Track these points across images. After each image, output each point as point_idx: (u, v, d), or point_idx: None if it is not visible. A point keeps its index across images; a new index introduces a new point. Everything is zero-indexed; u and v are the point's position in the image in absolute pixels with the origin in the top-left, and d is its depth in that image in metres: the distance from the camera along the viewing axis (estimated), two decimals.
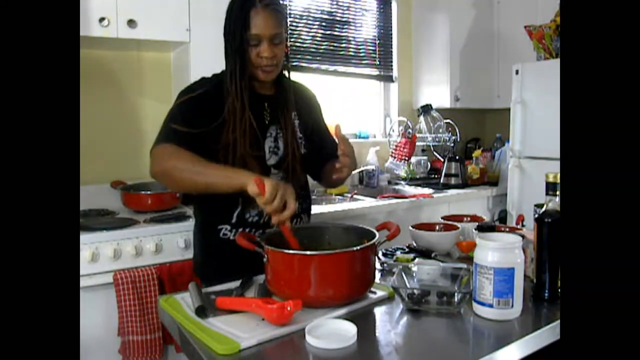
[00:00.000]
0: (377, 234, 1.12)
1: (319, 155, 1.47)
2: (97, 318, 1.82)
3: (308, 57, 3.00)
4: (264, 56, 1.26)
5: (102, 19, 1.98)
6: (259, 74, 1.30)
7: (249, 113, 1.29)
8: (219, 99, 1.30)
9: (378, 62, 3.36)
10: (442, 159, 3.19)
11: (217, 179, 1.14)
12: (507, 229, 1.44)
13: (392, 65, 3.43)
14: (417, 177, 3.24)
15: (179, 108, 1.32)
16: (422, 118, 3.30)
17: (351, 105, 3.31)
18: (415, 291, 1.05)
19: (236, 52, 1.26)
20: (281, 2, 1.30)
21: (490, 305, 0.98)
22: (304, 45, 2.99)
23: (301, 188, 1.43)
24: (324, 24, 3.07)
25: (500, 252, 0.97)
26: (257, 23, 1.23)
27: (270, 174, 1.35)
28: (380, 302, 1.09)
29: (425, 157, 3.36)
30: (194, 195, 1.50)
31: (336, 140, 1.24)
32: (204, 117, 1.28)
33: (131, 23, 2.04)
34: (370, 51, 3.32)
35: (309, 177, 1.52)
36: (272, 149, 1.36)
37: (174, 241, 1.94)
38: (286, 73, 1.42)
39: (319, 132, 1.51)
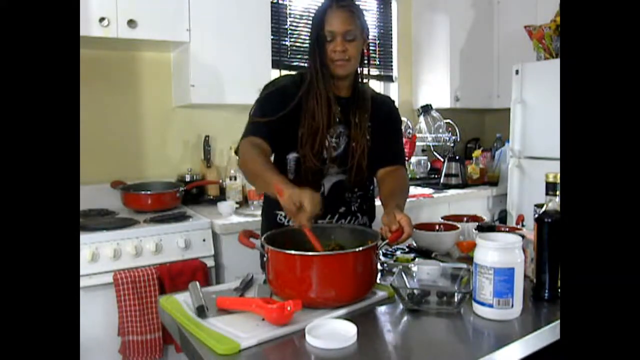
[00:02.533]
0: (380, 235, 1.12)
1: (379, 155, 1.51)
2: (97, 318, 1.82)
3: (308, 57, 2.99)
4: (337, 50, 1.35)
5: (102, 19, 1.98)
6: (334, 68, 1.38)
7: (325, 107, 1.38)
8: (296, 91, 1.40)
9: (378, 62, 3.36)
10: (442, 159, 3.19)
11: (261, 183, 1.25)
12: (507, 229, 1.44)
13: (392, 65, 3.43)
14: (417, 177, 3.24)
15: (258, 102, 1.43)
16: (422, 118, 3.30)
17: None
18: (415, 291, 1.05)
19: (315, 48, 1.38)
20: (358, 6, 1.42)
21: (490, 305, 0.98)
22: (304, 45, 2.98)
23: (360, 188, 1.49)
24: None
25: (500, 252, 0.97)
26: (331, 21, 1.35)
27: (325, 165, 1.41)
28: (380, 302, 1.09)
29: (425, 157, 3.35)
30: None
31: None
32: (279, 108, 1.38)
33: (131, 23, 2.04)
34: (371, 51, 3.31)
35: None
36: (332, 144, 1.43)
37: (174, 241, 1.94)
38: (364, 79, 1.50)
39: (390, 138, 1.55)
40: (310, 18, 2.94)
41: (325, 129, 1.38)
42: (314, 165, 1.38)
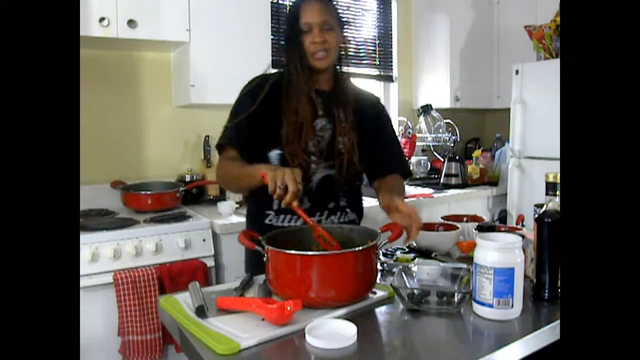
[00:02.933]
0: (380, 235, 1.12)
1: (377, 162, 1.51)
2: (97, 318, 1.82)
3: None
4: (316, 41, 1.34)
5: (102, 19, 1.98)
6: (313, 62, 1.37)
7: (305, 101, 1.37)
8: (269, 89, 1.40)
9: (378, 62, 3.36)
10: (442, 159, 3.19)
11: (246, 179, 1.28)
12: (507, 229, 1.44)
13: (392, 65, 3.43)
14: (417, 177, 3.24)
15: (233, 106, 1.45)
16: (422, 118, 3.30)
17: None
18: (415, 291, 1.05)
19: (292, 41, 1.37)
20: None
21: (490, 305, 0.98)
22: None
23: (349, 184, 1.47)
24: None
25: (500, 252, 0.97)
26: (307, 12, 1.35)
27: (311, 161, 1.41)
28: (380, 302, 1.09)
29: (425, 157, 3.35)
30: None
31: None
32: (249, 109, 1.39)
33: (131, 23, 2.04)
34: (370, 51, 3.32)
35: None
36: (317, 137, 1.41)
37: (174, 241, 1.94)
38: (345, 74, 1.50)
39: (382, 137, 1.54)
40: None
41: (309, 123, 1.38)
42: (302, 160, 1.36)
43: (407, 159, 3.11)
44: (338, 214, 1.45)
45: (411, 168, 3.22)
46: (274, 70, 1.56)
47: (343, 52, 1.45)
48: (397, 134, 1.63)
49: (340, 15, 1.44)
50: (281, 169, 1.15)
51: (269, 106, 1.38)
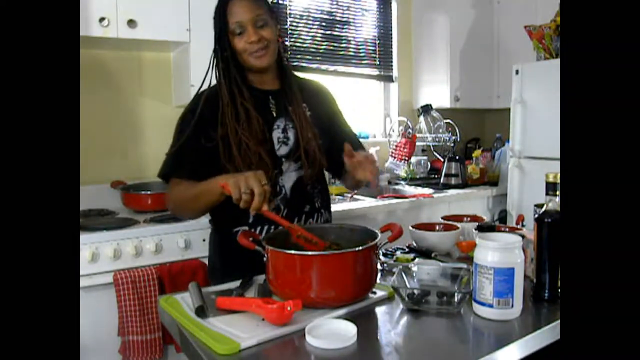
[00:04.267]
0: (380, 235, 1.12)
1: (335, 149, 1.43)
2: (97, 318, 1.82)
3: (308, 57, 3.00)
4: (251, 41, 1.26)
5: (102, 19, 1.98)
6: (251, 60, 1.29)
7: (248, 105, 1.29)
8: (213, 106, 1.31)
9: (378, 62, 3.36)
10: (442, 159, 3.19)
11: (205, 197, 1.20)
12: (507, 229, 1.44)
13: (392, 65, 3.43)
14: (417, 177, 3.24)
15: (175, 133, 1.38)
16: (422, 118, 3.30)
17: (351, 105, 3.31)
18: (415, 291, 1.05)
19: (221, 43, 1.29)
20: None
21: (490, 305, 0.98)
22: (304, 45, 2.99)
23: (318, 182, 1.42)
24: (324, 24, 3.07)
25: (500, 252, 0.97)
26: (236, 11, 1.26)
27: (282, 164, 1.35)
28: (380, 302, 1.09)
29: (425, 157, 3.35)
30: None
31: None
32: (206, 124, 1.30)
33: (131, 23, 2.04)
34: (370, 51, 3.32)
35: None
36: (281, 140, 1.35)
37: (174, 241, 1.94)
38: (288, 68, 1.42)
39: (334, 123, 1.48)
40: (311, 18, 2.97)
41: (266, 126, 1.31)
42: (270, 165, 1.29)
43: (406, 157, 3.12)
44: (315, 216, 1.41)
45: (411, 168, 3.23)
46: None
47: (282, 47, 1.38)
48: (343, 113, 1.55)
49: (271, 6, 1.34)
50: (241, 174, 1.08)
51: (213, 121, 1.29)
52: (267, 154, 1.30)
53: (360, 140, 1.57)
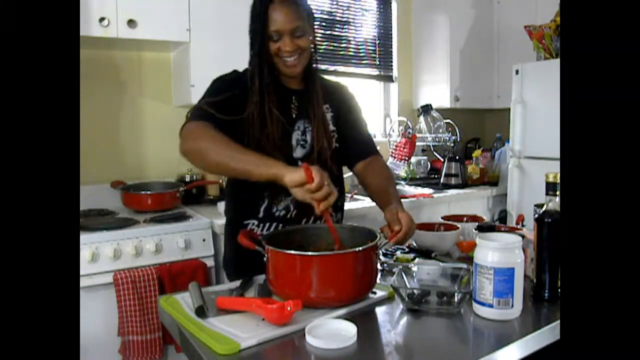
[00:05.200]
0: (380, 235, 1.12)
1: (351, 149, 1.46)
2: (97, 318, 1.82)
3: None
4: (285, 50, 1.27)
5: (102, 19, 1.98)
6: (283, 68, 1.31)
7: (275, 110, 1.29)
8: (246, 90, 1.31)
9: (378, 62, 3.36)
10: (442, 159, 3.19)
11: (251, 166, 1.11)
12: (507, 229, 1.44)
13: (392, 65, 3.43)
14: (417, 177, 3.24)
15: (210, 90, 1.33)
16: (422, 118, 3.30)
17: None
18: (415, 291, 1.05)
19: (259, 49, 1.27)
20: None
21: (490, 305, 0.98)
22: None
23: (335, 184, 1.41)
24: (324, 24, 3.07)
25: (500, 252, 0.97)
26: (276, 18, 1.24)
27: (297, 166, 1.34)
28: (380, 302, 1.09)
29: (425, 157, 3.35)
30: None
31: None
32: (234, 104, 1.28)
33: (131, 23, 2.04)
34: (370, 51, 3.32)
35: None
36: (300, 142, 1.36)
37: (174, 241, 1.94)
38: (315, 69, 1.41)
39: (352, 123, 1.49)
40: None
41: (285, 128, 1.31)
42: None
43: (406, 157, 3.12)
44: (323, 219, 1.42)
45: (411, 168, 3.23)
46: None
47: (313, 49, 1.36)
48: (362, 113, 1.55)
49: (311, 10, 1.33)
50: (317, 169, 1.04)
51: (242, 108, 1.28)
52: (283, 157, 1.27)
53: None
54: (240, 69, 1.40)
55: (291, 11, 1.25)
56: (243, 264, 1.33)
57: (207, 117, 1.23)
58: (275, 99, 1.31)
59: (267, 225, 1.37)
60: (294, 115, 1.37)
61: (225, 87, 1.31)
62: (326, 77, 1.53)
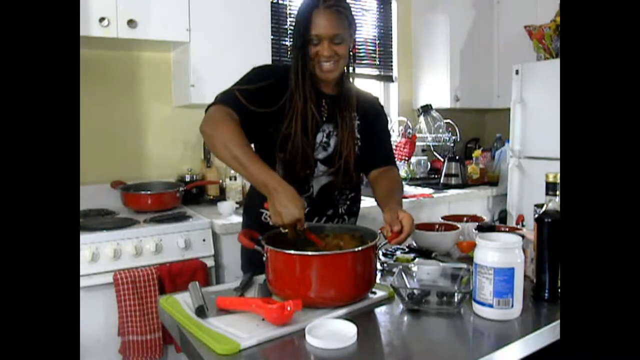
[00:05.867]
0: (379, 235, 1.12)
1: (370, 157, 1.49)
2: (97, 318, 1.82)
3: None
4: (323, 55, 1.29)
5: (102, 19, 1.98)
6: (319, 72, 1.33)
7: (311, 108, 1.33)
8: (284, 85, 1.34)
9: (378, 62, 3.36)
10: (442, 159, 3.19)
11: (244, 173, 1.17)
12: (507, 229, 1.44)
13: (392, 65, 3.43)
14: (417, 177, 3.24)
15: (245, 77, 1.37)
16: (422, 118, 3.30)
17: None
18: (415, 291, 1.05)
19: (299, 50, 1.30)
20: (346, 4, 1.34)
21: (490, 305, 0.98)
22: None
23: (351, 189, 1.46)
24: None
25: (500, 252, 0.97)
26: (318, 23, 1.27)
27: (316, 167, 1.38)
28: (380, 302, 1.09)
29: (425, 157, 3.35)
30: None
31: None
32: (267, 95, 1.32)
33: (131, 23, 2.04)
34: (370, 51, 3.31)
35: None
36: (322, 143, 1.39)
37: (174, 241, 1.94)
38: (350, 77, 1.45)
39: (377, 133, 1.52)
40: None
41: (314, 129, 1.35)
42: (305, 166, 1.34)
43: (407, 157, 3.12)
44: (335, 220, 1.45)
45: (411, 168, 3.23)
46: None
47: (351, 55, 1.40)
48: (390, 131, 1.60)
49: (354, 20, 1.37)
50: (284, 204, 1.08)
51: (274, 100, 1.32)
52: (306, 155, 1.34)
53: None
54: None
55: (334, 18, 1.28)
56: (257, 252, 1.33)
57: (234, 104, 1.27)
58: (311, 98, 1.34)
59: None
60: (323, 118, 1.39)
61: (262, 76, 1.35)
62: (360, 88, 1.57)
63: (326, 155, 1.39)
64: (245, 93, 1.29)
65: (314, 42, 1.29)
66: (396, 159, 3.09)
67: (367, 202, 2.52)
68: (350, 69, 1.43)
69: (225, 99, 1.29)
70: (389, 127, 3.32)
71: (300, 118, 1.32)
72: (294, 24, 1.35)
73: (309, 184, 1.39)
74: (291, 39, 1.38)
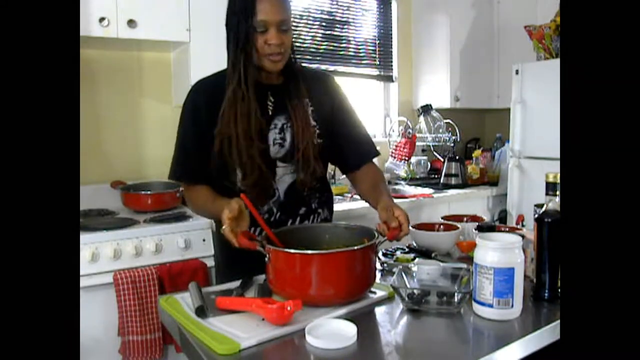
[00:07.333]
0: (377, 234, 1.12)
1: (340, 142, 1.41)
2: (97, 318, 1.82)
3: (308, 57, 3.00)
4: (271, 43, 1.20)
5: (102, 19, 1.98)
6: (266, 63, 1.24)
7: (254, 103, 1.25)
8: (220, 95, 1.28)
9: (378, 62, 3.36)
10: (442, 159, 3.19)
11: (208, 215, 1.34)
12: (507, 229, 1.44)
13: (392, 65, 3.43)
14: (417, 177, 3.24)
15: (183, 123, 1.37)
16: (422, 118, 3.30)
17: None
18: (415, 291, 1.05)
19: (243, 40, 1.21)
20: None
21: (490, 305, 0.98)
22: (304, 45, 2.99)
23: (317, 181, 1.38)
24: (324, 24, 3.07)
25: (500, 252, 0.97)
26: (264, 8, 1.18)
27: (276, 167, 1.32)
28: (380, 302, 1.09)
29: (425, 157, 3.35)
30: None
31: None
32: (207, 122, 1.29)
33: (131, 23, 2.04)
34: (370, 51, 3.31)
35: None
36: (277, 141, 1.31)
37: (174, 241, 1.94)
38: (295, 61, 1.36)
39: (339, 115, 1.41)
40: (311, 18, 2.97)
41: (261, 128, 1.26)
42: (263, 168, 1.26)
43: (406, 157, 3.11)
44: (312, 217, 1.39)
45: (411, 168, 3.23)
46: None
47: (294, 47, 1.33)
48: (354, 108, 1.45)
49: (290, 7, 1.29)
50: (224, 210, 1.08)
51: (212, 116, 1.26)
52: (260, 156, 1.26)
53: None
54: None
55: (280, 2, 1.20)
56: (237, 268, 1.30)
57: (186, 173, 1.37)
58: (254, 99, 1.26)
59: (252, 229, 1.30)
60: (270, 112, 1.30)
61: (192, 111, 1.33)
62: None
63: (284, 152, 1.31)
64: (189, 146, 1.34)
65: (259, 29, 1.19)
66: (396, 159, 3.12)
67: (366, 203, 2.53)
68: (294, 60, 1.35)
69: (178, 174, 1.39)
70: (389, 128, 3.34)
71: (244, 120, 1.24)
72: (229, 14, 1.25)
73: (273, 188, 1.32)
74: (227, 33, 1.26)
